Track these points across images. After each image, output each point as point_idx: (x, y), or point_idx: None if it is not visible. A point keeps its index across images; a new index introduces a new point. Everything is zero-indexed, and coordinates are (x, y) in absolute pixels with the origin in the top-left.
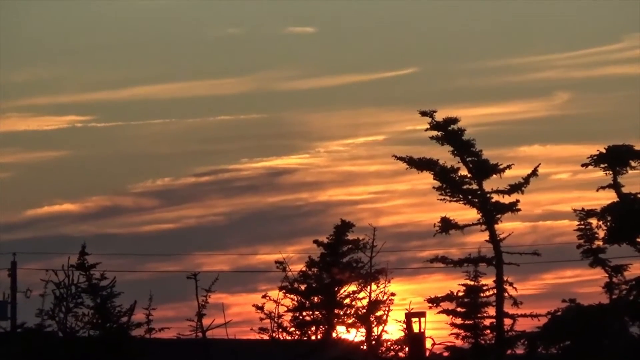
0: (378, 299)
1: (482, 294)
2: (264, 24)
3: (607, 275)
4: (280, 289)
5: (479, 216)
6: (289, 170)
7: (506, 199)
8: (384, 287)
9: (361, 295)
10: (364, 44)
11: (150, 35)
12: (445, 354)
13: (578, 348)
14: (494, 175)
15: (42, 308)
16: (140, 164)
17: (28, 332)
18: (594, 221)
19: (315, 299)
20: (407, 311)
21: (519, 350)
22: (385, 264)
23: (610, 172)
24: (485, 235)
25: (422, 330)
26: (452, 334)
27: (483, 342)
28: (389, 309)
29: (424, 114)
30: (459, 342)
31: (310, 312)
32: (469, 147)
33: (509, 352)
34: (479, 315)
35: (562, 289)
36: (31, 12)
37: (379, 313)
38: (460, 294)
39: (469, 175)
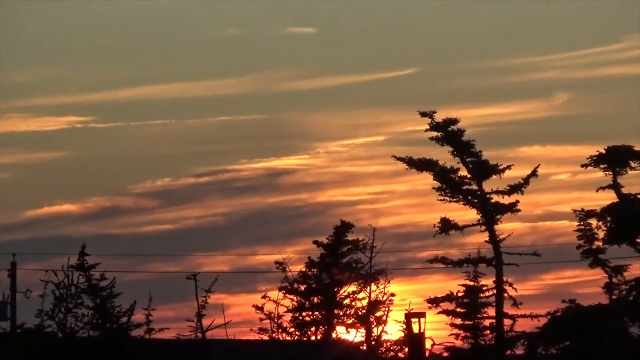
0: (378, 299)
1: (481, 295)
2: (264, 24)
3: (606, 275)
4: (280, 289)
5: (478, 217)
6: (288, 171)
7: (506, 200)
8: (384, 288)
9: (361, 295)
10: (364, 44)
11: (150, 35)
12: (445, 354)
13: (578, 348)
14: (494, 176)
15: (42, 308)
16: (140, 165)
17: (28, 333)
18: (593, 222)
19: (315, 300)
20: (406, 311)
21: (519, 351)
22: (385, 264)
23: (610, 173)
24: (485, 236)
25: (421, 331)
26: (451, 334)
27: (483, 342)
28: (388, 309)
29: (423, 114)
30: (458, 343)
31: (310, 313)
32: (468, 148)
33: (508, 352)
34: (478, 315)
35: (561, 290)
36: (31, 12)
37: (378, 313)
38: (460, 294)
39: (468, 175)
